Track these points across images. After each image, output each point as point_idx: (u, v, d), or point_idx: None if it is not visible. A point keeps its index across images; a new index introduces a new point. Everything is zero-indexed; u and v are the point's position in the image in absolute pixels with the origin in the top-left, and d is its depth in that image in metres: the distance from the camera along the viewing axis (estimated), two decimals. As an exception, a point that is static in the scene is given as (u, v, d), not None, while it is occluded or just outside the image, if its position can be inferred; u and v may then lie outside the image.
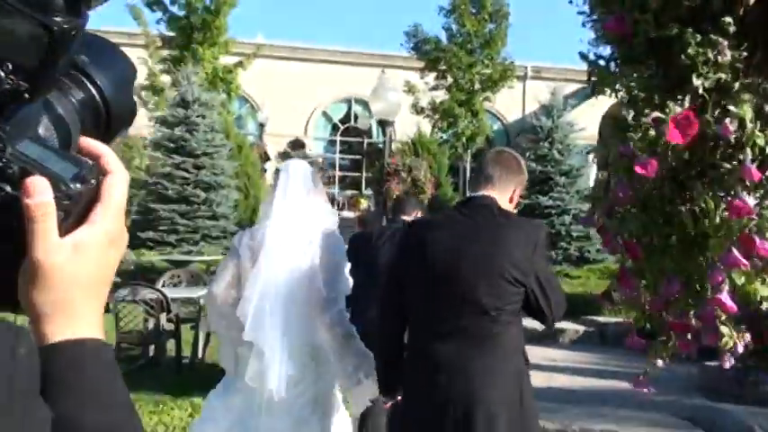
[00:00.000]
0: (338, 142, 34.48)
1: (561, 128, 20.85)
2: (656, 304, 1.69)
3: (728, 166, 1.50)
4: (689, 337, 1.71)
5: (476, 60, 24.88)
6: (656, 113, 1.52)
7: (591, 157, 26.37)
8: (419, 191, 17.45)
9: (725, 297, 1.53)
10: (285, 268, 3.52)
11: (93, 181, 0.83)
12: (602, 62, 1.77)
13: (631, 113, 1.61)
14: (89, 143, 0.90)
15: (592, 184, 23.42)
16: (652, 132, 1.55)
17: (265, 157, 28.25)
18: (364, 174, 31.14)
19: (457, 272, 2.89)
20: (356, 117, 33.60)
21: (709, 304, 1.58)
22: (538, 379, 7.55)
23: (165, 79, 23.15)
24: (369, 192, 30.30)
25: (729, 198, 1.48)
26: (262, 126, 30.12)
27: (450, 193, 22.84)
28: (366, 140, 31.67)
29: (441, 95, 25.47)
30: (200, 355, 8.55)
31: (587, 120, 26.34)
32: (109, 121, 0.94)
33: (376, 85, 14.38)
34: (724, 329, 1.64)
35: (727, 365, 1.75)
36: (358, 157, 33.44)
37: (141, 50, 24.15)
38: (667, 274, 1.63)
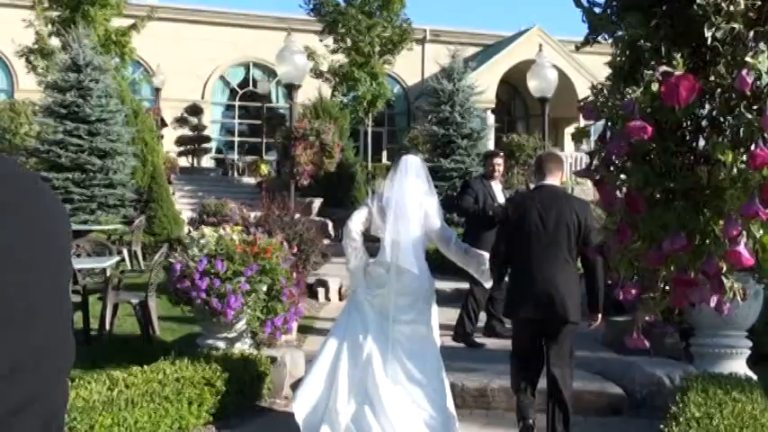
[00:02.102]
0: (237, 107, 33.77)
1: (462, 91, 20.97)
2: (654, 258, 1.64)
3: (749, 116, 1.45)
4: (690, 291, 1.68)
5: (374, 23, 24.72)
6: (664, 67, 1.46)
7: (490, 119, 26.71)
8: (327, 155, 17.28)
9: (742, 249, 1.49)
10: (410, 218, 5.61)
11: None
12: (597, 9, 1.69)
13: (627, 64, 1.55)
14: None
15: (491, 146, 23.74)
16: (655, 87, 1.49)
17: (162, 124, 27.40)
18: (264, 139, 30.66)
19: (544, 226, 5.42)
20: (255, 82, 32.94)
21: (727, 257, 1.54)
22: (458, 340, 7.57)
23: (55, 42, 22.06)
24: (269, 157, 29.85)
25: (750, 149, 1.43)
26: (157, 91, 29.17)
27: (351, 157, 22.71)
28: (266, 105, 31.10)
29: (340, 59, 25.22)
30: (107, 327, 8.24)
31: (486, 82, 26.62)
32: None
33: (282, 48, 14.05)
34: (727, 282, 1.61)
35: (726, 312, 1.73)
36: (257, 122, 32.85)
37: (27, 12, 22.92)
38: (670, 228, 1.57)
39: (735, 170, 1.51)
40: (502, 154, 9.92)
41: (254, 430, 5.92)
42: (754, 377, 6.02)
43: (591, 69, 28.56)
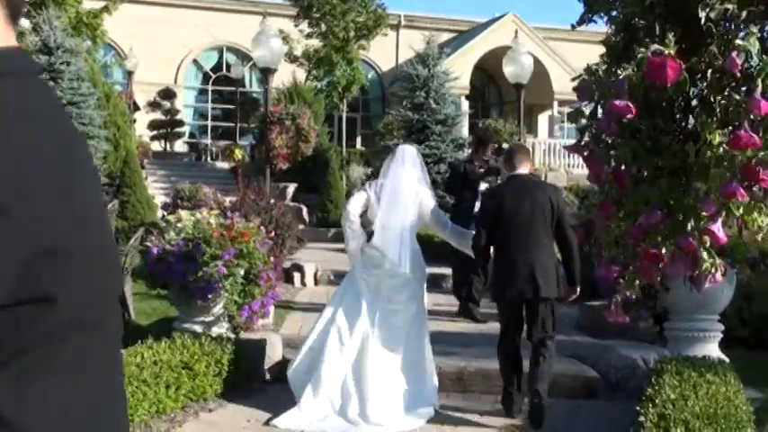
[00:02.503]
0: (210, 92, 33.49)
1: (436, 77, 20.95)
2: (635, 234, 1.66)
3: (737, 97, 1.46)
4: (658, 266, 1.69)
5: (349, 8, 24.60)
6: (656, 46, 1.46)
7: (464, 105, 26.73)
8: (303, 139, 17.20)
9: (717, 227, 1.50)
10: (402, 204, 6.04)
11: None
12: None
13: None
14: None
15: (465, 133, 23.77)
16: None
17: (135, 108, 27.11)
18: (238, 124, 30.46)
19: (521, 213, 5.80)
20: (228, 66, 32.71)
21: (703, 234, 1.55)
22: (435, 325, 7.63)
23: (25, 24, 21.71)
24: (243, 142, 29.67)
25: (735, 130, 1.44)
26: (130, 74, 28.83)
27: (326, 142, 22.63)
28: (239, 90, 30.89)
29: (315, 44, 25.09)
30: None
31: (461, 69, 26.63)
32: None
33: (258, 31, 13.93)
34: (705, 255, 1.62)
35: (708, 285, 1.74)
36: (231, 106, 32.61)
37: (-4, -8, 22.52)
38: (652, 204, 1.59)
39: (721, 150, 1.53)
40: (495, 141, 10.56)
41: (231, 413, 5.91)
42: (727, 360, 6.11)
43: (565, 57, 28.66)
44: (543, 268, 5.73)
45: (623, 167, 1.55)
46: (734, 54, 1.39)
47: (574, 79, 1.67)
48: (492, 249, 6.03)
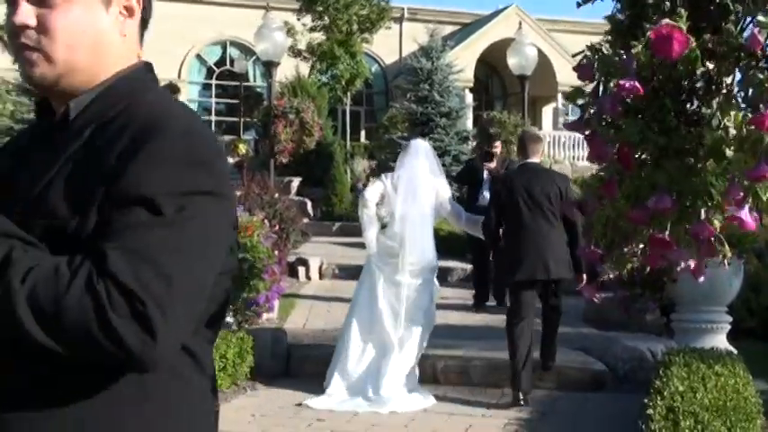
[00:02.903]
0: (213, 86, 33.42)
1: (440, 69, 20.86)
2: (638, 217, 1.60)
3: (760, 76, 1.40)
4: (669, 252, 1.63)
5: (352, 1, 24.46)
6: (667, 20, 1.41)
7: (468, 98, 26.62)
8: (307, 133, 17.12)
9: (745, 213, 1.44)
10: (420, 195, 6.36)
11: None
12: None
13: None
14: None
15: (470, 125, 23.68)
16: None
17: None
18: (242, 118, 30.38)
19: (532, 199, 6.15)
20: (232, 60, 32.65)
21: (730, 221, 1.49)
22: (441, 318, 7.56)
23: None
24: (247, 137, 29.61)
25: (759, 110, 1.38)
26: (133, 70, 28.65)
27: (330, 136, 22.54)
28: (243, 84, 30.82)
29: (318, 37, 24.97)
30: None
31: (464, 61, 26.52)
32: None
33: (260, 25, 13.85)
34: (720, 247, 1.56)
35: (702, 278, 1.68)
36: (235, 101, 32.54)
37: (-2, -11, 22.47)
38: (659, 188, 1.53)
39: (744, 131, 1.47)
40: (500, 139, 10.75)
41: (236, 407, 5.87)
42: (735, 351, 6.04)
43: (569, 48, 28.51)
44: (553, 251, 6.10)
45: (628, 148, 1.51)
46: (756, 31, 1.34)
47: (575, 55, 1.62)
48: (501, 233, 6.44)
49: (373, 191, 6.51)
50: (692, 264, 1.78)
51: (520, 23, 22.22)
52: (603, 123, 1.56)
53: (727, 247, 1.53)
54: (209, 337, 1.39)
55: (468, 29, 32.07)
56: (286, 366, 6.88)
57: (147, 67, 1.41)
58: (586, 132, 1.62)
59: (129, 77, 1.36)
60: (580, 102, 1.63)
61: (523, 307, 6.16)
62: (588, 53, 1.57)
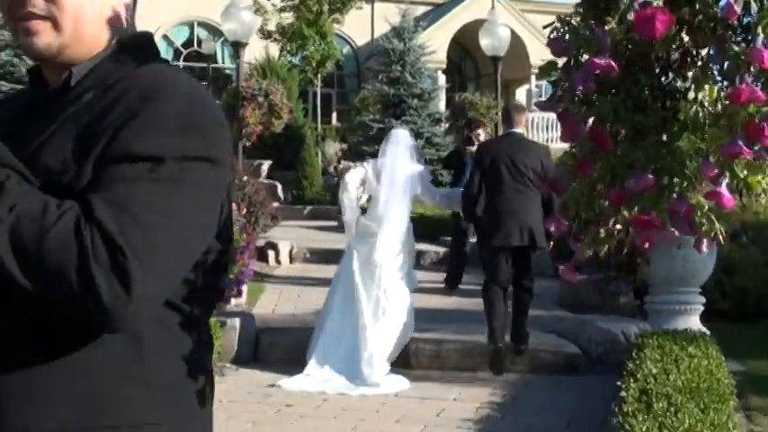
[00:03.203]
0: (181, 67, 33.07)
1: (412, 50, 20.81)
2: (616, 198, 1.55)
3: (736, 48, 1.36)
4: (653, 232, 1.60)
5: (322, -20, 24.25)
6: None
7: (441, 79, 26.57)
8: (276, 115, 16.98)
9: (723, 189, 1.41)
10: (401, 181, 6.66)
11: None
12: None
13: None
14: None
15: (443, 107, 23.65)
16: (632, 17, 1.39)
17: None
18: (210, 100, 30.16)
19: (514, 167, 6.41)
20: (200, 41, 32.30)
21: (708, 197, 1.46)
22: (415, 301, 7.55)
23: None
24: (216, 119, 29.32)
25: (735, 84, 1.34)
26: (97, 50, 28.27)
27: (300, 119, 22.40)
28: (211, 66, 30.53)
29: (288, 17, 24.76)
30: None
31: (437, 42, 26.45)
32: None
33: (228, 4, 13.67)
34: (704, 220, 1.53)
35: (705, 250, 1.65)
36: (203, 83, 32.24)
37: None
38: (636, 166, 1.49)
39: (719, 107, 1.43)
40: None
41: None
42: (708, 333, 6.08)
43: (542, 29, 28.47)
44: (531, 219, 6.33)
45: (602, 126, 1.47)
46: (732, 0, 1.31)
47: (546, 27, 1.57)
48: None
49: (354, 176, 6.83)
50: (692, 240, 1.76)
51: (493, 4, 22.20)
52: (576, 100, 1.51)
53: (717, 224, 1.50)
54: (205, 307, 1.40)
55: (440, 9, 31.96)
56: (254, 352, 6.83)
57: (148, 36, 1.43)
58: (559, 110, 1.57)
59: (132, 45, 1.37)
60: (553, 77, 1.59)
61: (500, 271, 6.47)
62: (558, 25, 1.53)
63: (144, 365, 1.27)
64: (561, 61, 1.58)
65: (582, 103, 1.53)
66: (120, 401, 1.25)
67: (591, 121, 1.57)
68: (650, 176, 1.47)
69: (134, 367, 1.27)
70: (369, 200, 7.03)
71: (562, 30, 1.59)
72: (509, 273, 6.51)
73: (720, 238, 1.55)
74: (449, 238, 12.63)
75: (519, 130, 6.87)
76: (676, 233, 1.58)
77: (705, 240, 1.60)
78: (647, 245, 1.65)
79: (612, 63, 1.47)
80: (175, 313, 1.31)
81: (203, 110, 1.29)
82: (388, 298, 6.44)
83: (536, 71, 28.54)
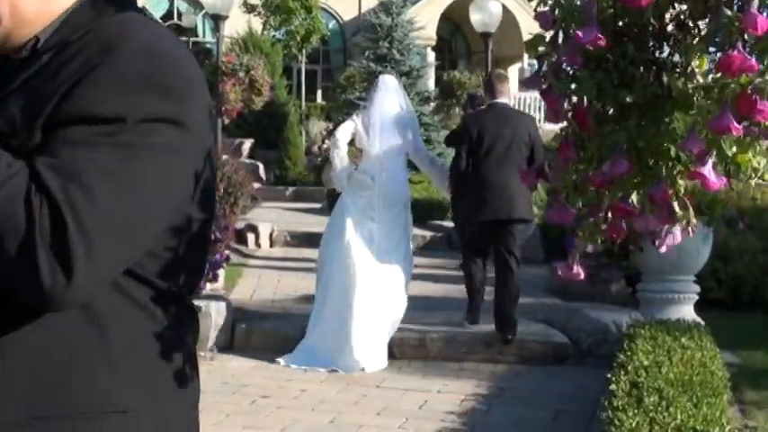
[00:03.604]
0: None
1: (401, 26, 20.63)
2: (597, 181, 1.46)
3: (729, 13, 1.26)
4: (633, 220, 1.51)
5: (309, -47, 24.03)
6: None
7: (430, 57, 26.39)
8: (256, 92, 16.81)
9: (708, 170, 1.32)
10: (391, 129, 6.55)
11: None
12: None
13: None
14: None
15: (432, 86, 23.49)
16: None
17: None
18: (191, 76, 29.96)
19: (500, 139, 6.46)
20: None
21: (692, 178, 1.37)
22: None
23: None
24: (196, 96, 29.13)
25: (725, 53, 1.25)
26: (73, 23, 27.99)
27: (284, 96, 22.23)
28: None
29: (272, -10, 24.52)
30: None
31: (427, 18, 26.27)
32: None
33: (206, -26, 13.50)
34: (682, 212, 1.44)
35: (667, 245, 1.56)
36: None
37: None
38: (619, 148, 1.40)
39: (709, 78, 1.35)
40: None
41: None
42: (702, 323, 6.04)
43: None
44: (517, 192, 6.27)
45: (585, 104, 1.38)
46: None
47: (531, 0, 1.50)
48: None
49: (344, 130, 6.71)
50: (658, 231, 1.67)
51: (484, -22, 22.00)
52: (563, 76, 1.42)
53: (691, 211, 1.41)
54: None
55: (430, -17, 31.73)
56: (230, 339, 6.74)
57: None
58: (543, 87, 1.48)
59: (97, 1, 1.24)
60: (541, 50, 1.50)
61: (484, 248, 6.69)
62: (547, -2, 1.44)
63: (109, 346, 1.18)
64: (549, 35, 1.49)
65: (569, 80, 1.44)
66: (85, 386, 1.16)
67: (574, 99, 1.48)
68: (625, 161, 1.38)
69: (98, 349, 1.17)
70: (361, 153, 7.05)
71: (550, 1, 1.50)
72: (489, 247, 6.62)
73: (692, 229, 1.46)
74: (438, 222, 12.60)
75: (503, 100, 6.80)
76: (649, 225, 1.49)
77: (678, 229, 1.52)
78: (614, 235, 1.57)
79: (599, 35, 1.38)
80: (147, 288, 1.21)
81: (173, 65, 1.17)
82: (388, 258, 6.38)
83: (529, 49, 28.38)
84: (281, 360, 6.18)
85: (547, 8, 1.54)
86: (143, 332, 1.22)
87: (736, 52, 1.23)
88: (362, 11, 29.47)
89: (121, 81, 1.12)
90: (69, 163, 1.07)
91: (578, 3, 1.42)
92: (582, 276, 2.05)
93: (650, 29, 1.37)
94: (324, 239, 6.70)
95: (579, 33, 1.42)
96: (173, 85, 1.15)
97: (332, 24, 30.55)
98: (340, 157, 6.67)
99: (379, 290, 6.27)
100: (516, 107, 25.76)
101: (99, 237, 1.06)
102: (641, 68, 1.38)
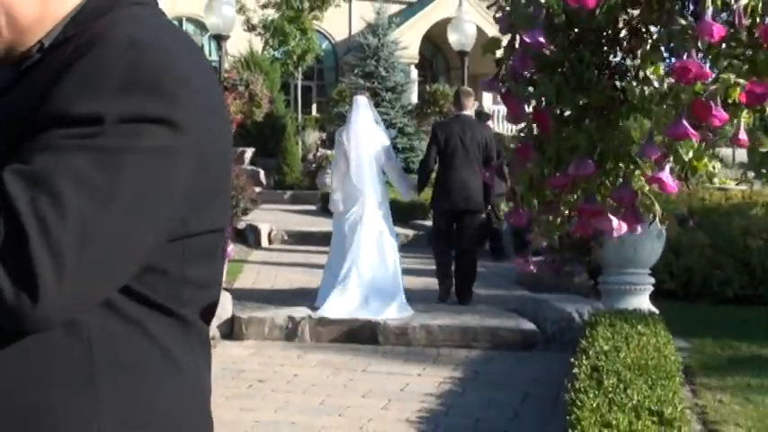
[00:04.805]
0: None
1: (386, 46, 20.59)
2: (559, 183, 1.39)
3: (682, 22, 1.19)
4: (596, 220, 1.44)
5: (303, -20, 23.87)
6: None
7: (413, 73, 26.32)
8: (256, 105, 16.73)
9: (666, 175, 1.25)
10: (366, 143, 6.91)
11: None
12: None
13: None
14: None
15: (414, 99, 23.43)
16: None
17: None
18: (198, 91, 29.77)
19: (463, 144, 7.23)
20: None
21: (650, 182, 1.30)
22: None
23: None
24: (203, 109, 28.96)
25: (680, 60, 1.18)
26: (91, 44, 27.75)
27: (282, 109, 22.12)
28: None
29: (271, 13, 24.39)
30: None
31: (410, 39, 26.21)
32: None
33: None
34: (647, 200, 1.37)
35: (639, 230, 1.49)
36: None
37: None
38: (579, 150, 1.33)
39: (665, 85, 1.28)
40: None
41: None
42: (656, 311, 5.99)
43: (507, 28, 28.22)
44: (473, 187, 7.18)
45: (544, 106, 1.32)
46: (677, -28, 1.18)
47: (489, 7, 1.43)
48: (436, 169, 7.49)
49: (339, 157, 7.14)
50: (619, 226, 1.60)
51: (460, 2, 21.98)
52: (519, 80, 1.35)
53: (657, 205, 1.35)
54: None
55: (413, 8, 31.67)
56: (231, 328, 6.65)
57: None
58: (502, 91, 1.41)
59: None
60: (498, 54, 1.43)
61: (446, 230, 7.45)
62: (502, 2, 1.36)
63: (93, 372, 0.94)
64: (505, 40, 1.42)
65: (526, 83, 1.37)
66: (61, 415, 0.93)
67: (533, 101, 1.41)
68: (590, 161, 1.31)
69: (80, 374, 0.94)
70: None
71: (503, 7, 1.43)
72: (453, 231, 7.39)
73: (658, 220, 1.40)
74: (419, 222, 12.54)
75: (467, 112, 7.63)
76: (615, 224, 1.42)
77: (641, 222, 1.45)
78: (580, 234, 1.50)
79: (542, 39, 1.31)
80: (145, 308, 0.97)
81: (163, 61, 0.94)
82: (377, 251, 6.83)
83: (502, 66, 28.36)
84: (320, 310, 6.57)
85: (500, 13, 1.48)
86: (141, 361, 0.98)
87: (691, 60, 1.16)
88: (353, 32, 29.38)
89: (99, 77, 0.91)
90: (39, 169, 0.87)
91: (531, 9, 1.35)
92: (534, 270, 2.04)
93: (604, 34, 1.30)
94: (332, 247, 7.21)
95: (524, 36, 1.35)
96: (161, 81, 0.92)
97: (325, 45, 30.42)
98: (335, 201, 7.11)
99: (383, 253, 6.87)
100: (493, 121, 25.81)
101: (70, 250, 0.85)
102: (596, 72, 1.31)
